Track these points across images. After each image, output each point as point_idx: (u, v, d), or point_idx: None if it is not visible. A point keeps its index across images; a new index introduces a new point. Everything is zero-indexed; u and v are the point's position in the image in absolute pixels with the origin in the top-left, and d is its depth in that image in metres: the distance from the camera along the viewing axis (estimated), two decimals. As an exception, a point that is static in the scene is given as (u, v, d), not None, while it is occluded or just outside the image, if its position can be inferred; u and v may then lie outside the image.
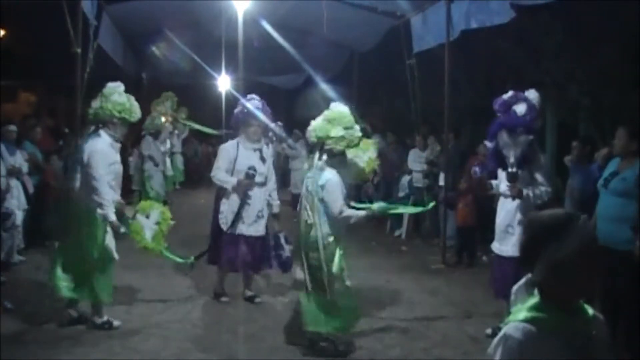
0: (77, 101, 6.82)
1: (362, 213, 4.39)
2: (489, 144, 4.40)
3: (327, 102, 5.77)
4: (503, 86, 10.79)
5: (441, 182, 7.97)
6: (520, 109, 4.38)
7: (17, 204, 6.51)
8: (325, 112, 4.45)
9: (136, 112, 4.83)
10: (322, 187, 4.25)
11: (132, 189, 10.40)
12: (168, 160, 10.75)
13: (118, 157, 4.85)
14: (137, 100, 4.84)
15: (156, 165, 9.83)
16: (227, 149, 5.43)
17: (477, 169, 5.08)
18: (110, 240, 4.73)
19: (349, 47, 11.10)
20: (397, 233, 9.32)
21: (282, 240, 5.04)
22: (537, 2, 6.09)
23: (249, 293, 5.57)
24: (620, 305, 4.34)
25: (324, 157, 4.36)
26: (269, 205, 5.48)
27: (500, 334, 1.64)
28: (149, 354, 4.33)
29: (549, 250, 1.61)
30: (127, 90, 4.86)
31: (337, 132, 4.30)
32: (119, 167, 4.87)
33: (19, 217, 6.54)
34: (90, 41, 7.01)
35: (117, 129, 4.78)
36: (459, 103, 10.35)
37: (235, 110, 5.52)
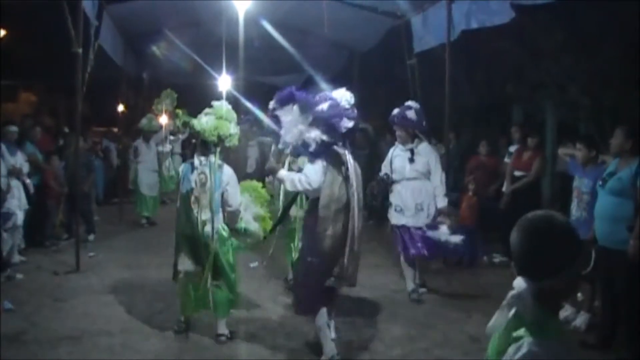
0: (78, 101, 6.83)
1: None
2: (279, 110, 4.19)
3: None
4: (503, 86, 10.82)
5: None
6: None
7: (17, 204, 6.51)
8: (211, 110, 4.61)
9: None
10: (227, 183, 4.55)
11: (130, 188, 10.55)
12: (169, 161, 10.78)
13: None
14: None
15: (148, 166, 9.97)
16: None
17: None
18: None
19: (349, 47, 11.09)
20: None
21: (446, 231, 5.62)
22: (537, 2, 6.09)
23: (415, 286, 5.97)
24: (620, 305, 4.36)
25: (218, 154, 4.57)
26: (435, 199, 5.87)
27: (521, 353, 1.50)
28: (149, 354, 4.33)
29: (578, 256, 1.58)
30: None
31: (233, 128, 4.58)
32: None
33: (19, 217, 6.55)
34: (90, 41, 7.01)
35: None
36: (460, 103, 10.34)
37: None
